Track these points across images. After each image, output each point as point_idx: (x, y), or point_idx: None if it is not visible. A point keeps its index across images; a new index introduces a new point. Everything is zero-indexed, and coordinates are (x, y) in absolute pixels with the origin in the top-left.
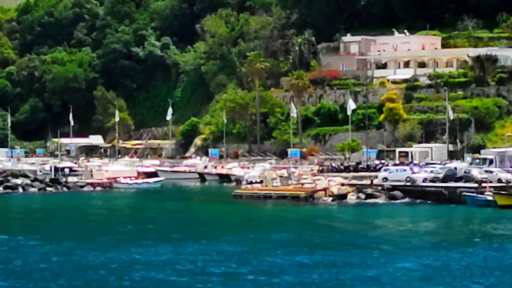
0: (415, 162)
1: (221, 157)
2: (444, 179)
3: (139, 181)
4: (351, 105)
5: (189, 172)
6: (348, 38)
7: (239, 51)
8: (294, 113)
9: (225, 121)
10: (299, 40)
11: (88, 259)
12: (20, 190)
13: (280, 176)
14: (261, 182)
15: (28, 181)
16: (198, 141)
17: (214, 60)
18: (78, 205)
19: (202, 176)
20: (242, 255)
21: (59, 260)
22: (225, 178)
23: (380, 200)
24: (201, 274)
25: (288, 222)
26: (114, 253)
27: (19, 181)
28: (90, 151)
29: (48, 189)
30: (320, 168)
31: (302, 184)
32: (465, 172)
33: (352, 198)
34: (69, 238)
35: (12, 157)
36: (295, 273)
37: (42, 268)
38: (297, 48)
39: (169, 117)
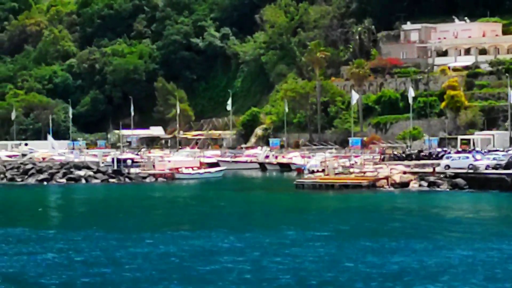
0: (477, 149)
1: (281, 146)
2: (506, 166)
3: (201, 171)
4: (411, 93)
5: (250, 162)
6: (408, 26)
7: (299, 40)
8: (354, 101)
9: (286, 110)
10: (359, 28)
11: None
12: (83, 181)
13: (342, 165)
14: (323, 171)
15: (91, 173)
16: (258, 131)
17: (274, 50)
18: (143, 196)
19: (263, 166)
20: (310, 242)
21: (151, 251)
22: (285, 167)
23: (443, 188)
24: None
25: (353, 211)
26: (197, 241)
27: (82, 172)
28: (151, 142)
29: (111, 180)
30: (382, 156)
31: (364, 172)
32: None
33: (414, 186)
34: (146, 228)
35: (73, 149)
36: (362, 259)
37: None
38: (357, 36)
39: (229, 107)
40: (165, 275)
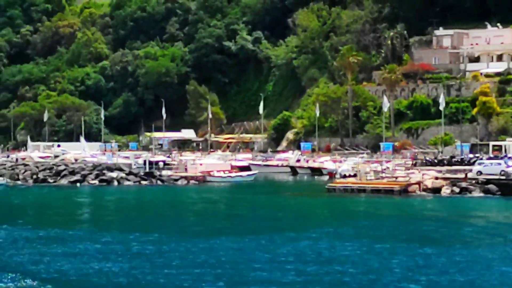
0: (509, 155)
1: (313, 150)
2: None
3: (233, 174)
4: (443, 99)
5: (282, 166)
6: (440, 31)
7: (331, 45)
8: (386, 107)
9: (318, 115)
10: (391, 33)
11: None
12: (115, 183)
13: (374, 170)
14: (354, 175)
15: (123, 175)
16: (290, 135)
17: (305, 54)
18: (177, 199)
19: (294, 170)
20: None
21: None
22: (317, 171)
23: (475, 194)
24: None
25: (386, 215)
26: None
27: (114, 174)
28: (183, 145)
29: (143, 182)
30: (414, 161)
31: (396, 177)
32: None
33: (446, 191)
34: (185, 231)
35: (106, 150)
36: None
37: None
38: (389, 42)
39: (261, 111)
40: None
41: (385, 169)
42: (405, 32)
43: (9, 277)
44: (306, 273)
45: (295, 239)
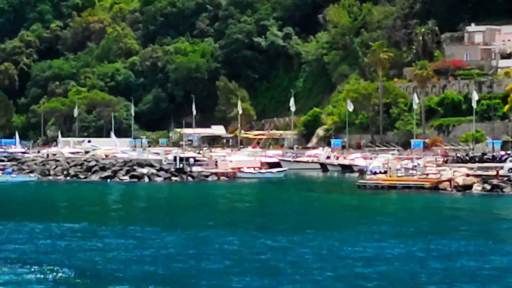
0: None
1: (343, 147)
2: None
3: (263, 171)
4: (475, 96)
5: (312, 162)
6: (472, 27)
7: (362, 41)
8: (417, 103)
9: (350, 110)
10: (422, 30)
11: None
12: (146, 179)
13: (404, 167)
14: (385, 172)
15: (154, 171)
16: (320, 131)
17: (336, 50)
18: (209, 195)
19: (324, 167)
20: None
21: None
22: (347, 168)
23: (506, 191)
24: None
25: (417, 212)
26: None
27: (145, 170)
28: (212, 141)
29: (173, 178)
30: (445, 158)
31: (427, 174)
32: None
33: (477, 189)
34: (215, 227)
35: (135, 146)
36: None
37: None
38: (420, 38)
39: (292, 108)
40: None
41: (415, 166)
42: (437, 28)
43: (46, 270)
44: (361, 271)
45: (331, 236)
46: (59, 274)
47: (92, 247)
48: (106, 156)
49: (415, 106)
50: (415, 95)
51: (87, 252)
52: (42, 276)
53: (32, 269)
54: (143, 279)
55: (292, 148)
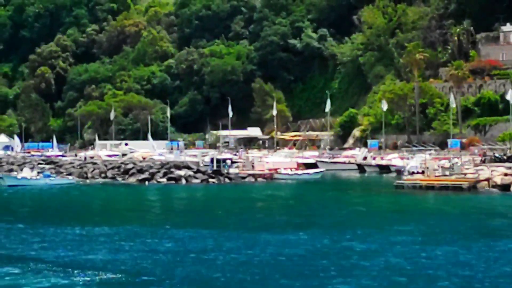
0: None
1: (380, 148)
2: None
3: (300, 172)
4: (511, 95)
5: (349, 163)
6: (507, 27)
7: (397, 42)
8: (453, 103)
9: (385, 109)
10: (458, 30)
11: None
12: (183, 181)
13: (442, 167)
14: (423, 172)
15: (191, 173)
16: (356, 132)
17: (371, 51)
18: (247, 196)
19: (361, 167)
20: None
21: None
22: (384, 169)
23: None
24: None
25: (458, 212)
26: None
27: (182, 172)
28: (249, 142)
29: (210, 180)
30: (483, 158)
31: (465, 174)
32: None
33: None
34: (259, 227)
35: (172, 149)
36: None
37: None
38: (455, 38)
39: (328, 109)
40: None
41: (453, 165)
42: (472, 28)
43: (90, 273)
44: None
45: (371, 235)
46: (104, 277)
47: (135, 249)
48: (144, 158)
49: (452, 106)
50: (451, 95)
51: (130, 255)
52: (87, 279)
53: (76, 273)
54: (188, 282)
55: (330, 149)
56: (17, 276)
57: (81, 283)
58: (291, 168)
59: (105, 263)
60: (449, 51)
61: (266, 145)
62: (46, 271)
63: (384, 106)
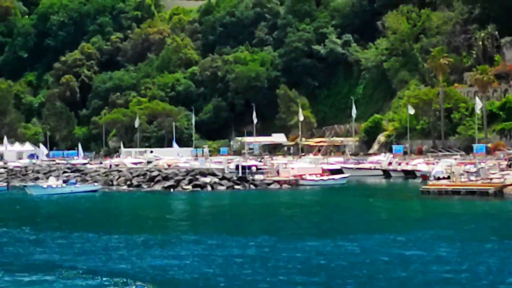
0: None
1: (405, 153)
2: None
3: (325, 178)
4: None
5: (374, 168)
6: None
7: (421, 47)
8: (478, 108)
9: (411, 113)
10: (482, 34)
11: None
12: (209, 188)
13: (467, 172)
14: (448, 177)
15: (216, 180)
16: (381, 137)
17: (396, 57)
18: (273, 202)
19: (386, 173)
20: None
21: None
22: (410, 174)
23: None
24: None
25: (489, 217)
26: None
27: (207, 179)
28: (273, 149)
29: (236, 187)
30: (508, 163)
31: (490, 179)
32: None
33: None
34: (287, 233)
35: (197, 156)
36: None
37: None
38: (480, 42)
39: (354, 114)
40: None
41: (479, 170)
42: (496, 32)
43: (119, 281)
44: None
45: (416, 241)
46: (133, 286)
47: (163, 257)
48: (169, 165)
49: (477, 111)
50: (477, 99)
51: (158, 262)
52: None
53: (105, 281)
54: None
55: (355, 154)
56: (50, 284)
57: None
58: (316, 174)
59: (131, 271)
60: (474, 55)
61: (291, 152)
62: (77, 279)
63: (411, 111)
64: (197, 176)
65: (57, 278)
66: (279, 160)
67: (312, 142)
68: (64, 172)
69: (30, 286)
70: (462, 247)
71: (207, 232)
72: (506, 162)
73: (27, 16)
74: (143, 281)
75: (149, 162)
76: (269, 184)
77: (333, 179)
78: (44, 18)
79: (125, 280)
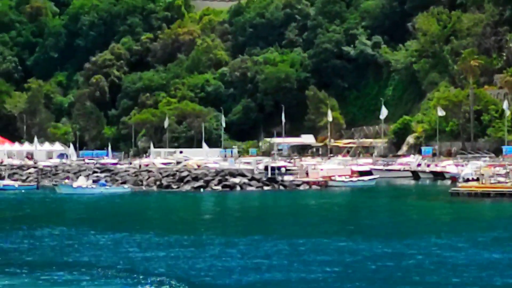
0: None
1: (434, 155)
2: None
3: (354, 179)
4: None
5: (403, 170)
6: None
7: (451, 48)
8: (508, 110)
9: (441, 115)
10: None
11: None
12: (238, 188)
13: (497, 174)
14: (477, 179)
15: (246, 180)
16: (410, 139)
17: (426, 58)
18: (303, 203)
19: (415, 174)
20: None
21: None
22: (439, 175)
23: None
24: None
25: None
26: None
27: (237, 180)
28: (302, 150)
29: (265, 187)
30: None
31: None
32: None
33: None
34: (317, 233)
35: (226, 156)
36: None
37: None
38: (510, 44)
39: (382, 116)
40: None
41: (508, 172)
42: None
43: (156, 280)
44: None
45: (460, 244)
46: (168, 285)
47: (197, 257)
48: (198, 166)
49: (507, 113)
50: (506, 101)
51: (192, 263)
52: (154, 287)
53: (141, 279)
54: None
55: (384, 156)
56: (88, 283)
57: None
58: (345, 176)
59: (166, 271)
60: (504, 57)
61: (320, 153)
62: (113, 278)
63: (441, 112)
64: (227, 177)
65: (94, 277)
66: (308, 161)
67: (341, 143)
68: (94, 172)
69: (68, 285)
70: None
71: (240, 232)
72: None
73: (58, 17)
74: (178, 280)
75: (178, 163)
76: (298, 185)
77: (362, 180)
78: (75, 18)
79: (161, 279)
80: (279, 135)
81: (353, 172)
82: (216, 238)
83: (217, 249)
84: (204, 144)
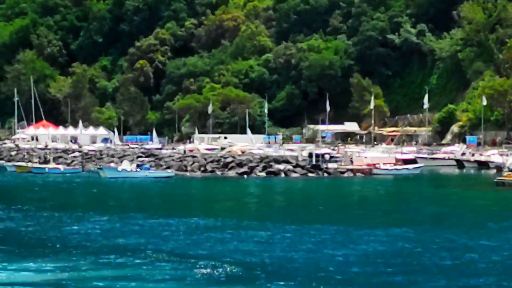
0: None
1: (478, 144)
2: None
3: (399, 167)
4: None
5: (448, 159)
6: None
7: (497, 37)
8: None
9: (485, 103)
10: None
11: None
12: (282, 175)
13: None
14: None
15: (290, 167)
16: (455, 128)
17: (471, 47)
18: (347, 191)
19: (460, 163)
20: None
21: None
22: (483, 165)
23: None
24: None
25: None
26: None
27: (281, 166)
28: (346, 137)
29: (309, 174)
30: None
31: None
32: None
33: None
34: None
35: (269, 143)
36: None
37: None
38: None
39: (426, 105)
40: None
41: None
42: None
43: (207, 264)
44: None
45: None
46: (224, 270)
47: (246, 241)
48: (242, 152)
49: None
50: None
51: (241, 246)
52: (207, 271)
53: (192, 263)
54: (305, 276)
55: (428, 144)
56: (139, 266)
57: (199, 276)
58: (390, 164)
59: (218, 256)
60: None
61: (363, 140)
62: (164, 262)
63: (485, 102)
64: (271, 163)
65: (144, 261)
66: (352, 148)
67: (384, 131)
68: (139, 156)
69: (119, 269)
70: None
71: (287, 218)
72: None
73: (102, 1)
74: (229, 264)
75: (223, 149)
76: (342, 173)
77: (406, 168)
78: (119, 3)
79: (213, 263)
80: (322, 122)
81: (397, 160)
82: (264, 223)
83: (265, 234)
84: (248, 131)
